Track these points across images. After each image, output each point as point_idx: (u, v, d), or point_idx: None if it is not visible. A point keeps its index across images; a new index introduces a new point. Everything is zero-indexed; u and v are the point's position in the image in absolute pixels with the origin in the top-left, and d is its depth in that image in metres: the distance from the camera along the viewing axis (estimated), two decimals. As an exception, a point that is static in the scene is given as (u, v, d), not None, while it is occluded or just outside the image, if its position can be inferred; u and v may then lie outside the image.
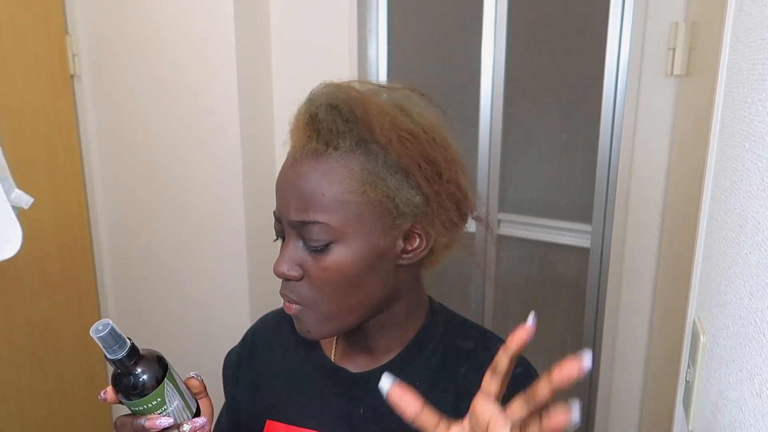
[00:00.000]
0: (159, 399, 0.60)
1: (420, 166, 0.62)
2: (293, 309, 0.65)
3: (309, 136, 0.62)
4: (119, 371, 0.59)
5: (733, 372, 0.50)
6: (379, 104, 0.63)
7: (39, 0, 1.72)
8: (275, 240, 0.69)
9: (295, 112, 0.65)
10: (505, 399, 0.47)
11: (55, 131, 1.83)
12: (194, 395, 0.66)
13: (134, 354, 0.59)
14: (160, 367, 0.61)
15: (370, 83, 0.68)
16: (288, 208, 0.62)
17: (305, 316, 0.65)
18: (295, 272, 0.63)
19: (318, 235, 0.61)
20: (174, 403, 0.61)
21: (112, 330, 0.57)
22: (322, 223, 0.60)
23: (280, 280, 0.66)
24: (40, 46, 1.74)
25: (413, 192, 0.63)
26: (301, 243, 0.63)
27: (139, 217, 1.91)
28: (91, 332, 0.56)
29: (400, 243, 0.64)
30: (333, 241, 0.61)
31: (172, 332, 1.94)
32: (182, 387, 0.64)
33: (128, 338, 0.59)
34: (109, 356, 0.58)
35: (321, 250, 0.61)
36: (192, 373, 0.68)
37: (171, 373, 0.62)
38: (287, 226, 0.64)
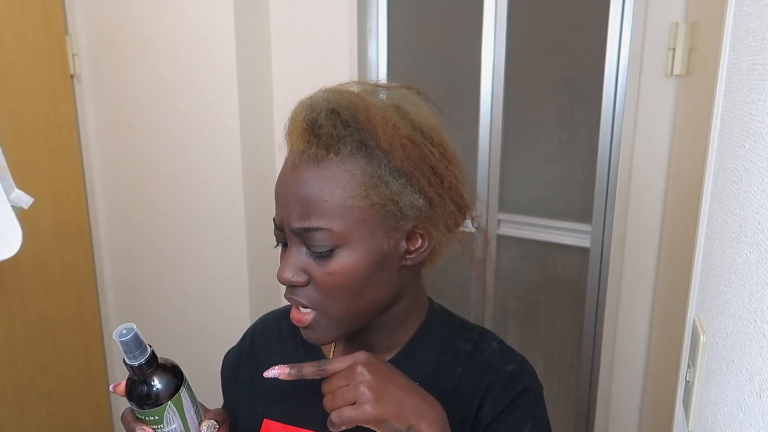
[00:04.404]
0: (156, 417, 0.59)
1: (423, 171, 0.62)
2: (306, 319, 0.64)
3: (308, 142, 0.61)
4: (134, 377, 0.59)
5: (733, 372, 0.50)
6: (381, 109, 0.62)
7: (39, 0, 1.72)
8: (276, 246, 0.69)
9: (290, 115, 0.65)
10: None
11: (55, 131, 1.82)
12: (204, 417, 0.64)
13: (152, 363, 0.59)
14: (172, 384, 0.60)
15: (367, 83, 0.68)
16: (290, 215, 0.62)
17: (316, 323, 0.64)
18: (300, 278, 0.63)
19: (322, 241, 0.61)
20: (172, 425, 0.60)
21: (136, 335, 0.57)
22: (325, 229, 0.60)
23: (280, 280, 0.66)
24: (40, 46, 1.74)
25: (416, 195, 0.63)
26: (304, 249, 0.63)
27: (139, 217, 1.91)
28: (115, 335, 0.56)
29: (403, 244, 0.64)
30: (337, 246, 0.61)
31: (172, 332, 1.94)
32: (189, 411, 0.62)
33: (149, 345, 0.59)
34: (128, 361, 0.57)
35: (326, 255, 0.61)
36: None
37: (179, 396, 0.60)
38: (289, 233, 0.63)
